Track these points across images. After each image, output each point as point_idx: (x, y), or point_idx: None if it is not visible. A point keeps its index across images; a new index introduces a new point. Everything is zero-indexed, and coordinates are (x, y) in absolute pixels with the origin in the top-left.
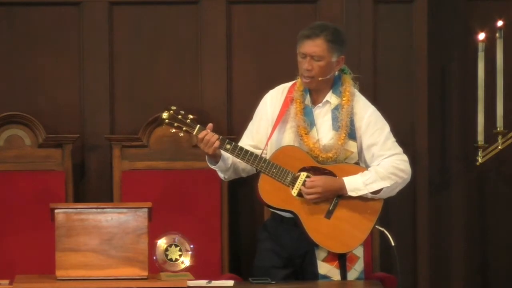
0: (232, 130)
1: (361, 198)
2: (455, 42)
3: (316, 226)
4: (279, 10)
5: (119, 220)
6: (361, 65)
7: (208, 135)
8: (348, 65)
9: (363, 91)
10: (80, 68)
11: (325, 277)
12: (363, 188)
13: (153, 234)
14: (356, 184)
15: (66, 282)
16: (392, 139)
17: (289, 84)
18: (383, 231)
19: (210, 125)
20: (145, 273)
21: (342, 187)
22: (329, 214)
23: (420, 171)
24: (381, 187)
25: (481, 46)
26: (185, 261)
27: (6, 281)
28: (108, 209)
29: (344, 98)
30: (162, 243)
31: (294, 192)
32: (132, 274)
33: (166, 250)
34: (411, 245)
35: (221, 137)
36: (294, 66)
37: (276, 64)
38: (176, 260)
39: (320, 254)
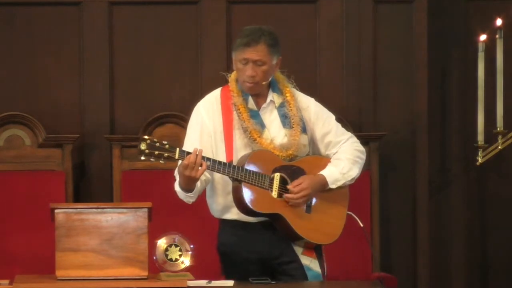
0: None
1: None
2: (455, 42)
3: (301, 223)
4: (279, 10)
5: (119, 220)
6: (361, 65)
7: (192, 157)
8: (348, 65)
9: (363, 91)
10: (80, 68)
11: (309, 268)
12: (342, 178)
13: (153, 234)
14: (335, 176)
15: (66, 282)
16: (340, 124)
17: (217, 92)
18: (351, 214)
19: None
20: (145, 273)
21: (324, 182)
22: (308, 209)
23: (420, 171)
24: (356, 173)
25: (481, 46)
26: (185, 261)
27: (6, 281)
28: (108, 209)
29: (287, 95)
30: (162, 243)
31: (274, 194)
32: (132, 274)
33: (166, 250)
34: (411, 245)
35: (202, 150)
36: (293, 67)
37: None
38: (176, 260)
39: (298, 249)
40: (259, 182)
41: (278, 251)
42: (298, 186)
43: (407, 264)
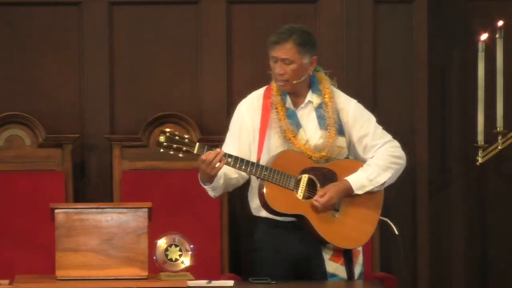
0: None
1: None
2: (455, 42)
3: (326, 226)
4: (279, 10)
5: (119, 220)
6: (361, 65)
7: (211, 155)
8: (348, 65)
9: (363, 91)
10: (80, 68)
11: (333, 275)
12: (369, 184)
13: (153, 234)
14: (361, 181)
15: (66, 282)
16: (380, 128)
17: (261, 90)
18: (387, 221)
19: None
20: (145, 273)
21: (349, 188)
22: (335, 212)
23: (420, 171)
24: (385, 179)
25: (481, 46)
26: (185, 261)
27: (6, 281)
28: (108, 209)
29: (326, 96)
30: (162, 243)
31: (300, 195)
32: (132, 274)
33: (166, 250)
34: (411, 245)
35: (223, 152)
36: None
37: None
38: (176, 260)
39: (327, 254)
40: (284, 182)
41: (306, 254)
42: (323, 197)
43: (407, 264)
